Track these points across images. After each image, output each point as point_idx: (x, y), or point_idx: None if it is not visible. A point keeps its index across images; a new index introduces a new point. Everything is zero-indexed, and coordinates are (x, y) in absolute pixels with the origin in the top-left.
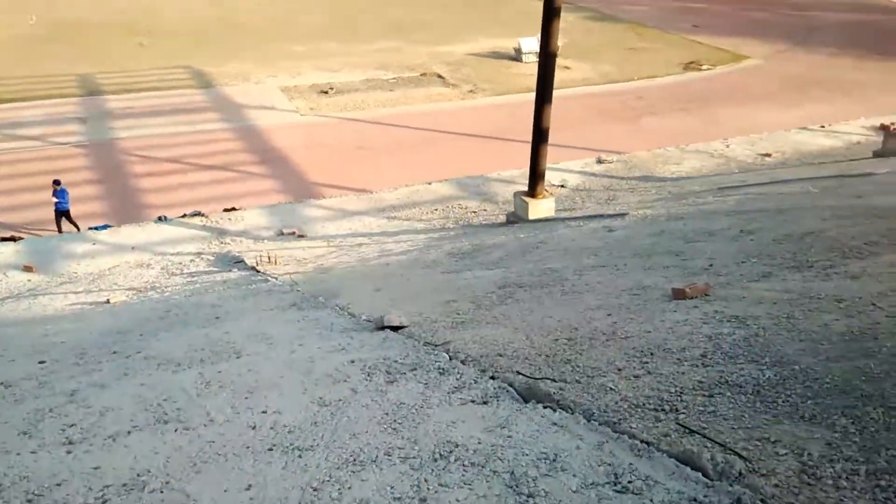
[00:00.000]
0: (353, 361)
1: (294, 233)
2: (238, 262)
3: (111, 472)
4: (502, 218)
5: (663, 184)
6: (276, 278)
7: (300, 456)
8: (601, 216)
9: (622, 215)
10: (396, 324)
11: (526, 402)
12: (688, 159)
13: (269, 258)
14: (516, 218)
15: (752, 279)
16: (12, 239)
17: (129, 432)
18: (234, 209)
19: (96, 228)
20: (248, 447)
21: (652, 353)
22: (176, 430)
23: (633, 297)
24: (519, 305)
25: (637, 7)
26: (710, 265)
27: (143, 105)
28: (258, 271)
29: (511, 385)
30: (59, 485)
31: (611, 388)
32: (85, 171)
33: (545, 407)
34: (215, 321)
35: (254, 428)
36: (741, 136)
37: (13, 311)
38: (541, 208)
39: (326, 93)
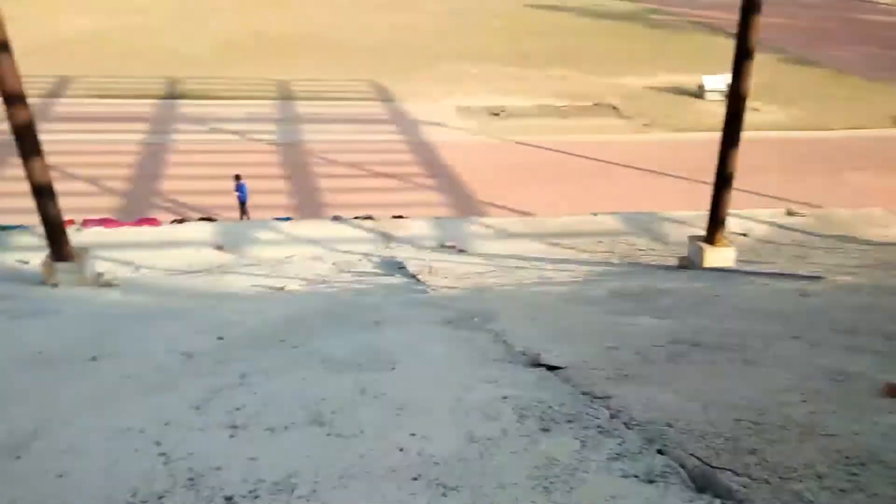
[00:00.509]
0: (505, 398)
1: (455, 246)
2: (401, 267)
3: (266, 466)
4: (673, 261)
5: (868, 248)
6: (435, 290)
7: (444, 495)
8: (792, 276)
9: (817, 278)
10: (553, 363)
11: (700, 492)
12: None
13: (429, 269)
14: (689, 263)
15: None
16: (210, 220)
17: (286, 427)
18: (401, 217)
19: (279, 220)
20: (394, 471)
21: (863, 464)
22: (329, 435)
23: (834, 384)
24: (693, 368)
25: (838, 52)
26: None
27: (329, 112)
28: (418, 280)
29: (682, 466)
30: (218, 469)
31: (809, 501)
32: (275, 167)
33: None
34: (374, 326)
35: (401, 450)
36: None
37: (204, 284)
38: (719, 257)
39: (498, 115)
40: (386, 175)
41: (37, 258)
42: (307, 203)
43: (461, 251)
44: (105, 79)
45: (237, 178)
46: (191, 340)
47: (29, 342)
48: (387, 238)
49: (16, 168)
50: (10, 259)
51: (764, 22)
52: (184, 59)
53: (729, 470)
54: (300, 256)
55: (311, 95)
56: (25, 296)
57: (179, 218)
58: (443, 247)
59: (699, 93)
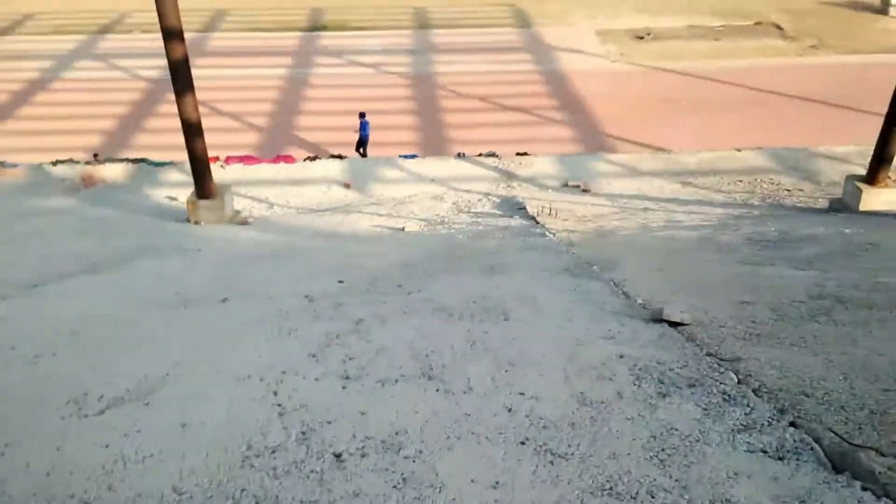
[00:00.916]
0: (622, 356)
1: (579, 186)
2: (521, 208)
3: (374, 422)
4: (823, 203)
5: None
6: (554, 234)
7: (552, 462)
8: None
9: None
10: (676, 319)
11: (837, 472)
12: None
13: (550, 210)
14: (842, 206)
15: None
16: (339, 157)
17: (396, 381)
18: (525, 154)
19: (405, 157)
20: (501, 433)
21: None
22: (437, 390)
23: None
24: (837, 329)
25: None
26: None
27: (464, 41)
28: (538, 223)
29: (818, 441)
30: (329, 422)
31: None
32: (405, 101)
33: (864, 489)
34: (490, 271)
35: (510, 410)
36: None
37: (330, 224)
38: (879, 199)
39: (643, 38)
40: (514, 108)
41: (184, 194)
42: (434, 139)
43: (585, 191)
44: (254, 11)
45: (362, 115)
46: (314, 283)
47: (170, 282)
48: (509, 176)
49: (169, 104)
50: (160, 195)
51: None
52: None
53: (872, 449)
54: (422, 195)
55: (447, 23)
56: (171, 232)
57: (313, 155)
58: (566, 186)
59: (882, 7)
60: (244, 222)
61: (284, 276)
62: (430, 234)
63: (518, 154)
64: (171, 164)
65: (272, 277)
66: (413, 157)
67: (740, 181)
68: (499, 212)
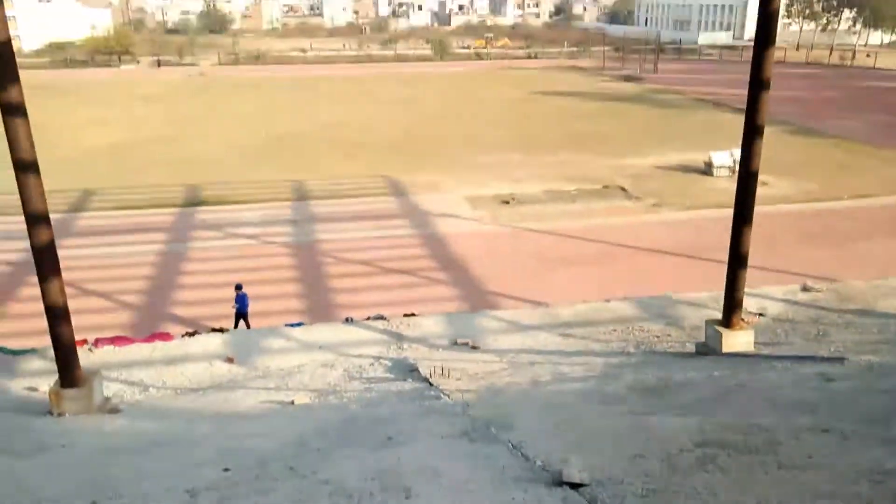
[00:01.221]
0: None
1: (468, 343)
2: (413, 370)
3: None
4: (690, 346)
5: (886, 321)
6: (449, 395)
7: None
8: (813, 358)
9: (840, 360)
10: (576, 480)
11: None
12: None
13: (442, 370)
14: (707, 350)
15: None
16: (221, 330)
17: None
18: (413, 315)
19: (291, 325)
20: None
21: None
22: None
23: (876, 486)
24: (725, 477)
25: (844, 122)
26: None
27: (344, 210)
28: (431, 384)
29: None
30: None
31: None
32: (289, 270)
33: None
34: (388, 442)
35: None
36: None
37: (212, 404)
38: (737, 341)
39: (508, 203)
40: (398, 271)
41: (46, 384)
42: (320, 306)
43: (474, 348)
44: (125, 189)
45: (238, 287)
46: (195, 474)
47: (30, 487)
48: (399, 338)
49: (31, 287)
50: (19, 386)
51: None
52: (202, 166)
53: None
54: (311, 364)
55: (326, 194)
56: (31, 429)
57: (191, 331)
58: (455, 344)
59: (707, 170)
60: (115, 410)
61: (161, 470)
62: (321, 406)
63: (406, 315)
64: (32, 351)
65: (147, 472)
66: (300, 325)
67: (615, 330)
68: (391, 375)
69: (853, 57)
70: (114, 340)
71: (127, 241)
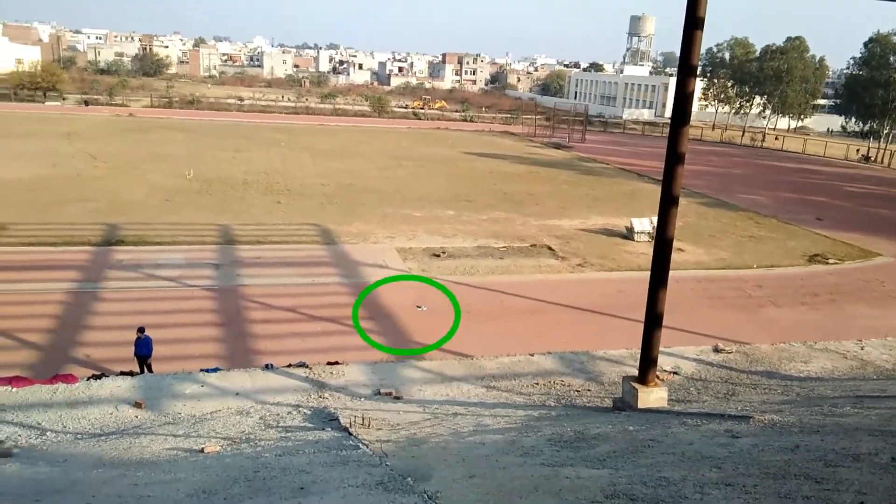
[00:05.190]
0: None
1: (391, 393)
2: (332, 419)
3: None
4: (608, 402)
5: (790, 383)
6: (367, 446)
7: None
8: (721, 416)
9: (746, 418)
10: None
11: None
12: (817, 358)
13: (363, 420)
14: (624, 405)
15: None
16: (131, 374)
17: None
18: (336, 363)
19: (207, 371)
20: None
21: None
22: None
23: None
24: None
25: (753, 196)
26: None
27: (271, 256)
28: (351, 434)
29: None
30: None
31: None
32: (209, 314)
33: None
34: (299, 492)
35: None
36: (877, 339)
37: (114, 450)
38: (652, 397)
39: (439, 256)
40: (324, 318)
41: None
42: (239, 351)
43: (397, 398)
44: (38, 225)
45: (141, 331)
46: None
47: None
48: (320, 386)
49: None
50: None
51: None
52: (123, 206)
53: None
54: (225, 411)
55: (253, 239)
56: None
57: (98, 373)
58: (378, 394)
59: (628, 234)
60: (7, 454)
61: None
62: (233, 454)
63: (329, 363)
64: None
65: None
66: (216, 370)
67: (537, 383)
68: (310, 424)
69: (763, 139)
70: (11, 381)
71: (35, 279)
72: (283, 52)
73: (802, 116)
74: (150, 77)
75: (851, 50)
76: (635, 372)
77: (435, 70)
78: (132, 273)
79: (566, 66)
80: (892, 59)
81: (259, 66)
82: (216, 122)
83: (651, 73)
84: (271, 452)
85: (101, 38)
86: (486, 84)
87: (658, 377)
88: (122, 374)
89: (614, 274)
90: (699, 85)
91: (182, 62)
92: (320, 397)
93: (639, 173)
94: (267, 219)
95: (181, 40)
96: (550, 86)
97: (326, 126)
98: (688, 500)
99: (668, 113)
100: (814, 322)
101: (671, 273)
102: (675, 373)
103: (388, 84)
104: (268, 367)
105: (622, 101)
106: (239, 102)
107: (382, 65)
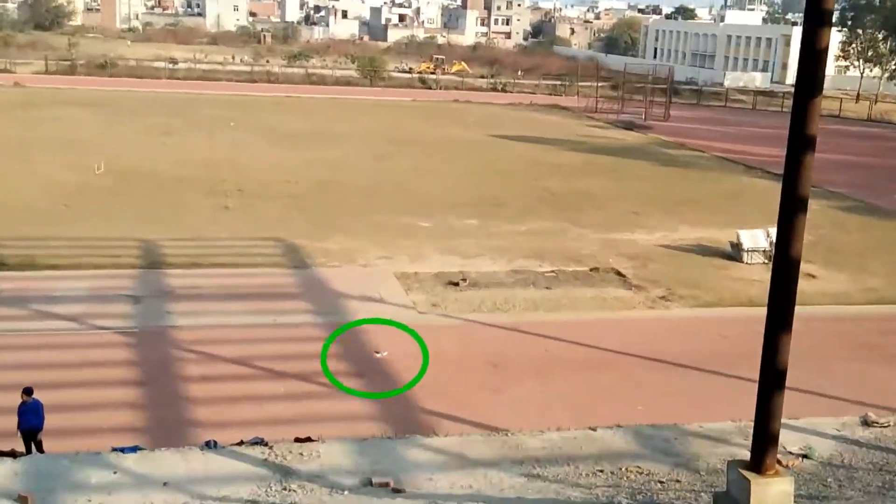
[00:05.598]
0: None
1: (388, 484)
2: None
3: None
4: (706, 498)
5: None
6: None
7: None
8: None
9: None
10: None
11: None
12: None
13: None
14: (730, 502)
15: None
16: (12, 454)
17: None
18: (308, 439)
19: (122, 450)
20: None
21: None
22: None
23: None
24: None
25: None
26: None
27: (214, 284)
28: None
29: None
30: None
31: None
32: (124, 368)
33: None
34: None
35: None
36: None
37: None
38: (772, 492)
39: (457, 284)
40: (290, 375)
41: None
42: (168, 422)
43: (397, 491)
44: None
45: (27, 393)
46: None
47: None
48: (285, 473)
49: None
50: None
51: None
52: (3, 212)
53: None
54: None
55: (189, 262)
56: None
57: None
58: (370, 485)
59: (734, 253)
60: None
61: None
62: None
63: (298, 440)
64: None
65: None
66: (135, 449)
67: (601, 471)
68: None
69: None
70: None
71: None
72: None
73: None
74: (45, 31)
75: None
76: (746, 455)
77: (452, 18)
78: (15, 310)
79: (641, 11)
80: None
81: (200, 14)
82: (138, 94)
83: (765, 20)
84: None
85: None
86: (526, 38)
87: (781, 462)
88: (1, 454)
89: (713, 311)
90: (836, 38)
91: (91, 9)
92: (285, 489)
93: (748, 165)
94: (209, 231)
95: None
96: (619, 40)
97: (295, 99)
98: None
99: (791, 78)
100: None
101: (798, 310)
102: (805, 456)
103: (385, 39)
104: (209, 444)
105: (723, 62)
106: (171, 66)
107: (376, 11)
